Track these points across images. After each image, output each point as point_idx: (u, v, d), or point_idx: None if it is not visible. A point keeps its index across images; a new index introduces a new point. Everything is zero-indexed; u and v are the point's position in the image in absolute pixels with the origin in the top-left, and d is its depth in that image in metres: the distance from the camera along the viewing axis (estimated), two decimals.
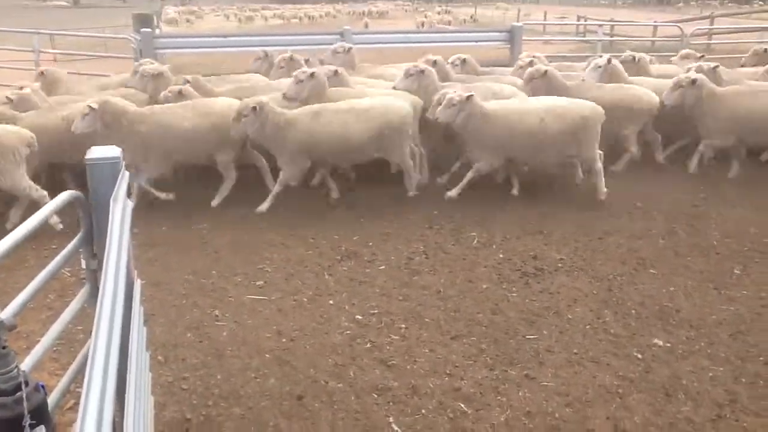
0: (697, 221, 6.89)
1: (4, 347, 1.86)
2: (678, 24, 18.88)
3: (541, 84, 8.07)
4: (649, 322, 4.92)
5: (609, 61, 8.68)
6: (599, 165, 7.33)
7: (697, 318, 4.98)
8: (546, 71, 8.10)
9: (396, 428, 3.77)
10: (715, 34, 20.78)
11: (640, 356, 4.48)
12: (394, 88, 7.93)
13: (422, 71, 7.91)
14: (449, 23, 36.45)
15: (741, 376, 4.26)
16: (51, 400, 2.75)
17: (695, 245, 6.31)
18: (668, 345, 4.62)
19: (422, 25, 33.87)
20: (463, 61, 9.29)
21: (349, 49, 9.73)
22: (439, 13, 42.42)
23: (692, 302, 5.23)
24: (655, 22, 22.06)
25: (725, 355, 4.50)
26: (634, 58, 9.63)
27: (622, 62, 9.14)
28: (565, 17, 33.55)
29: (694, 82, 7.82)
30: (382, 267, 5.82)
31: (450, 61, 9.17)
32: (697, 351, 4.55)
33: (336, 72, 8.08)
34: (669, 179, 8.07)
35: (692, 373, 4.29)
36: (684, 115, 8.04)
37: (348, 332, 4.77)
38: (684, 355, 4.50)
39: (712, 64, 8.79)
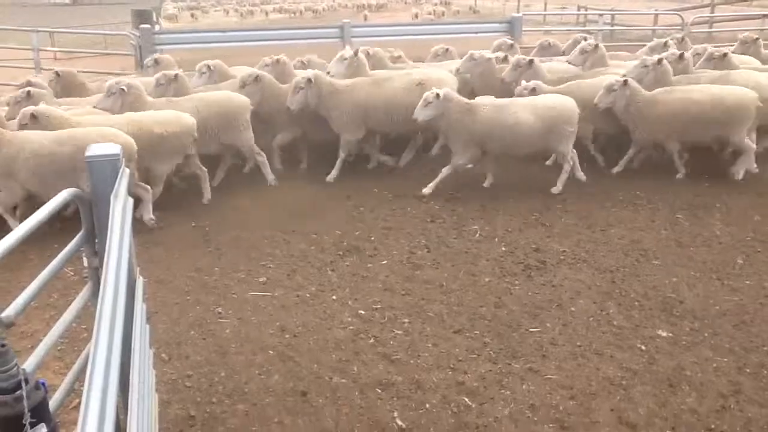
0: (699, 211, 6.87)
1: (3, 345, 1.86)
2: (679, 12, 18.80)
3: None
4: (653, 314, 4.91)
5: (356, 53, 8.47)
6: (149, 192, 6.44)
7: (701, 309, 4.97)
8: (257, 76, 7.77)
9: (400, 423, 3.77)
10: (716, 22, 20.68)
11: (643, 348, 4.47)
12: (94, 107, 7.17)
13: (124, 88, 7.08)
14: (443, 14, 36.25)
15: (745, 366, 4.26)
16: (55, 398, 2.76)
17: (698, 235, 6.30)
18: (672, 336, 4.61)
19: (416, 17, 33.66)
20: (209, 67, 8.53)
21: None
22: (435, 5, 42.11)
23: (695, 293, 5.22)
24: (655, 10, 21.91)
25: (729, 345, 4.50)
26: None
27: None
28: (565, 7, 33.38)
29: (309, 81, 7.46)
30: (385, 262, 5.82)
31: (197, 68, 8.62)
32: (700, 342, 4.55)
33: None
34: (671, 170, 8.03)
35: (696, 364, 4.29)
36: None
37: (351, 327, 4.77)
38: (688, 347, 4.49)
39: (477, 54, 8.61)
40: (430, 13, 35.26)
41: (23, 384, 1.85)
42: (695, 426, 3.75)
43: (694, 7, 23.05)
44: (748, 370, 4.21)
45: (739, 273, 5.56)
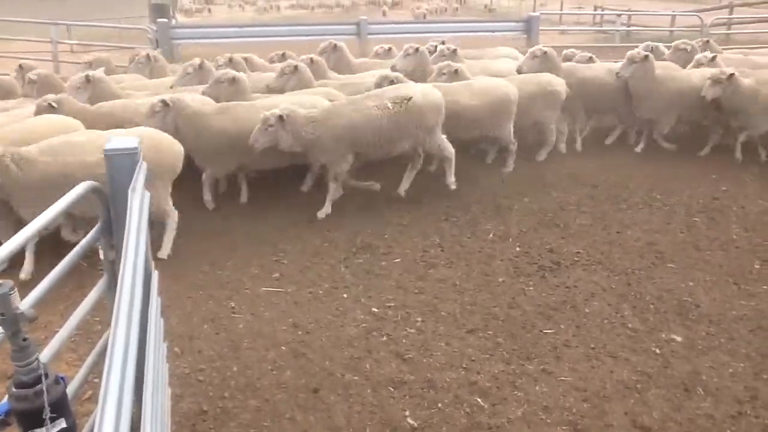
0: (717, 215, 6.81)
1: (24, 339, 1.86)
2: (697, 14, 18.64)
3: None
4: (668, 317, 4.87)
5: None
6: None
7: (717, 313, 4.93)
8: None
9: (412, 422, 3.76)
10: (734, 24, 20.49)
11: (658, 351, 4.43)
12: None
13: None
14: (445, 11, 35.91)
15: (762, 372, 4.21)
16: (69, 390, 2.75)
17: (715, 239, 6.23)
18: (687, 340, 4.57)
19: (414, 13, 33.25)
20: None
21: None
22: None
23: (712, 297, 5.17)
24: (673, 11, 21.73)
25: (745, 351, 4.45)
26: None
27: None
28: (582, 7, 33.15)
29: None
30: (398, 260, 5.80)
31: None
32: (716, 347, 4.50)
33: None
34: (688, 172, 7.97)
35: (712, 368, 4.25)
36: None
37: (364, 325, 4.76)
38: (703, 351, 4.45)
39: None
40: (431, 12, 34.47)
41: (43, 378, 1.85)
42: (710, 431, 3.71)
43: (713, 9, 22.82)
44: (765, 376, 4.17)
45: (756, 278, 5.50)
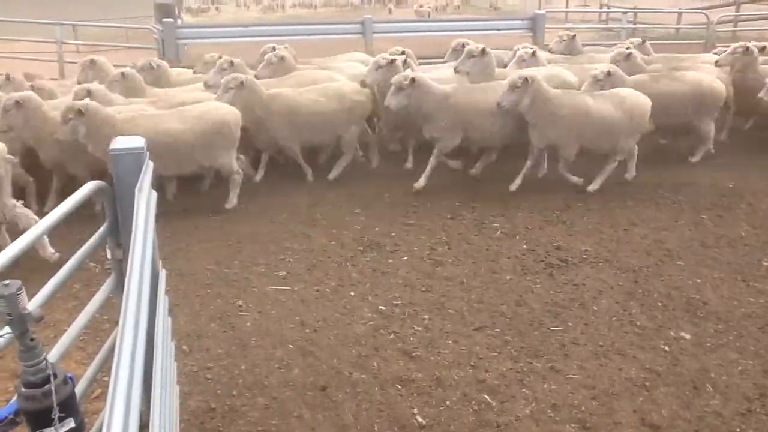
0: (724, 212, 6.78)
1: (32, 339, 1.87)
2: (704, 11, 18.54)
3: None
4: (676, 315, 4.85)
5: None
6: None
7: (725, 310, 4.90)
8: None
9: (420, 420, 3.75)
10: (741, 21, 20.39)
11: (667, 349, 4.41)
12: None
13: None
14: (445, 8, 35.71)
15: None
16: (78, 389, 2.75)
17: (722, 236, 6.21)
18: (696, 338, 4.55)
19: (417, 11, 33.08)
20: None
21: None
22: None
23: (720, 294, 5.14)
24: (679, 9, 21.61)
25: (754, 348, 4.43)
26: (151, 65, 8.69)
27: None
28: (587, 5, 33.06)
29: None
30: (405, 258, 5.80)
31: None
32: (725, 344, 4.48)
33: None
34: (696, 169, 7.94)
35: (720, 366, 4.23)
36: None
37: (371, 323, 4.76)
38: (712, 348, 4.43)
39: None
40: (423, 7, 33.99)
41: (52, 378, 1.85)
42: (719, 429, 3.69)
43: (719, 6, 22.69)
44: None
45: (765, 275, 5.47)
